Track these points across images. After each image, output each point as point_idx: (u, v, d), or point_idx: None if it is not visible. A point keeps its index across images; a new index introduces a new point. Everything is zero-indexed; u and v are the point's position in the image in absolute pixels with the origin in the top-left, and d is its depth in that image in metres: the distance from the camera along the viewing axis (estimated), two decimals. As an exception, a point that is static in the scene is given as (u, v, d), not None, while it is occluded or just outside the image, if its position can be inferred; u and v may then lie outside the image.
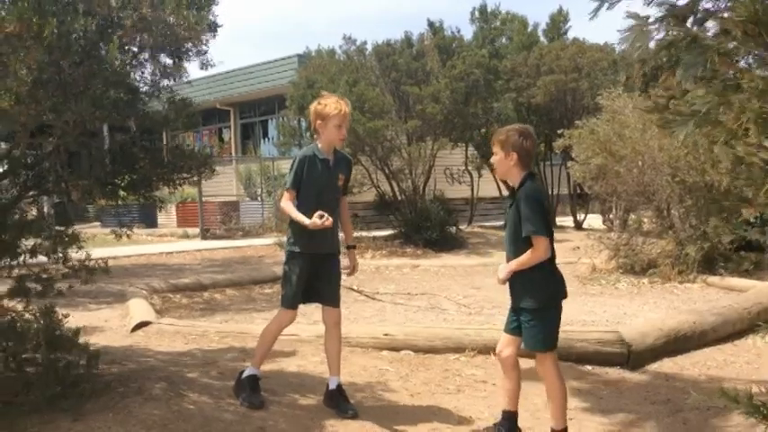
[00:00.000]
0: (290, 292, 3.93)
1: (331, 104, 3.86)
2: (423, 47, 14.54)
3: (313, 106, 3.96)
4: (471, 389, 4.39)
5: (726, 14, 2.05)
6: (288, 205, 3.81)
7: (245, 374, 3.99)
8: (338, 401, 3.87)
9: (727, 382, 4.37)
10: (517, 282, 3.29)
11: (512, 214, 3.31)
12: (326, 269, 3.98)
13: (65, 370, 3.61)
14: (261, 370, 4.07)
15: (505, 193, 18.03)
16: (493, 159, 3.42)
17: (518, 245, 3.26)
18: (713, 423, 3.66)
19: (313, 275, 3.93)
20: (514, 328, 3.36)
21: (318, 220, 3.61)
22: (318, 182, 3.86)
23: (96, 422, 3.45)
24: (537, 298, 3.25)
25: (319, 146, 3.92)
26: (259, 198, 19.80)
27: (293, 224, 3.87)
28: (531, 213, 3.18)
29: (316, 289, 3.97)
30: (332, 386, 3.94)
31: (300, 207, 3.79)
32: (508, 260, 3.32)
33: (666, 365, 4.81)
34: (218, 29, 4.09)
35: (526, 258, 3.22)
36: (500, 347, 3.47)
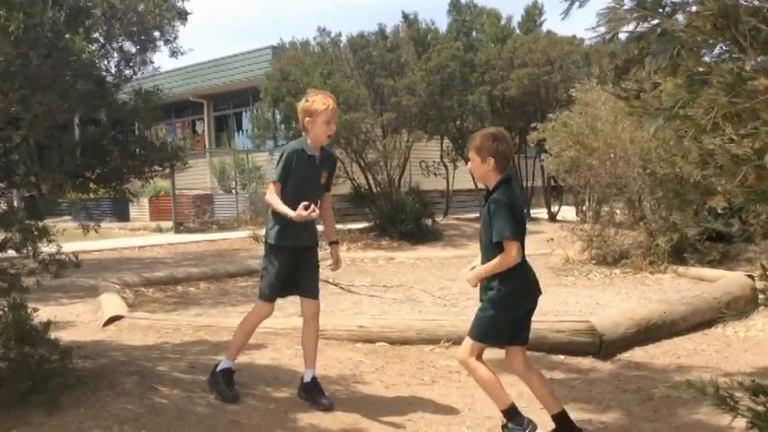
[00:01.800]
0: (269, 284, 3.95)
1: (318, 101, 3.87)
2: (398, 39, 14.53)
3: (300, 104, 3.97)
4: (446, 380, 4.41)
5: (695, 8, 2.08)
6: (273, 198, 3.82)
7: (219, 367, 3.98)
8: (313, 394, 3.87)
9: (696, 370, 4.45)
10: (489, 279, 3.28)
11: (484, 217, 3.32)
12: (306, 261, 4.00)
13: (36, 365, 3.56)
14: (235, 363, 4.06)
15: (481, 186, 18.13)
16: (470, 165, 3.43)
17: (489, 248, 3.27)
18: (682, 411, 3.72)
19: (293, 268, 3.95)
20: (510, 337, 3.34)
21: (303, 211, 3.61)
22: (303, 177, 3.87)
23: (69, 417, 3.42)
24: (499, 295, 3.23)
25: (308, 142, 3.93)
26: (233, 191, 19.68)
27: (274, 217, 3.89)
28: (500, 218, 3.19)
29: (296, 281, 3.98)
30: (307, 378, 3.94)
31: (282, 200, 3.79)
32: (482, 262, 3.33)
33: (637, 354, 4.88)
34: (188, 16, 4.05)
35: (494, 265, 3.21)
36: (507, 360, 3.42)
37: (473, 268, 3.37)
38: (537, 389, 3.36)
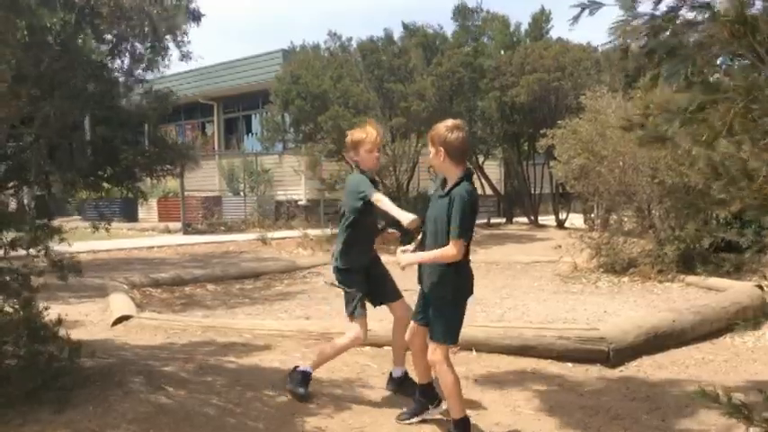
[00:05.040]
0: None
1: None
2: (406, 44, 14.53)
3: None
4: (453, 385, 4.39)
5: (703, 25, 2.06)
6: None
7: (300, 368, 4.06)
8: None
9: (705, 380, 4.42)
10: (432, 272, 3.38)
11: (439, 209, 3.36)
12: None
13: (46, 363, 3.58)
14: (242, 364, 4.08)
15: (489, 191, 18.06)
16: (431, 154, 3.45)
17: (440, 238, 3.34)
18: (691, 421, 3.70)
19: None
20: (422, 318, 3.51)
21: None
22: None
23: (77, 415, 3.43)
24: (447, 291, 3.35)
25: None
26: (242, 193, 19.73)
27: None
28: (462, 217, 3.23)
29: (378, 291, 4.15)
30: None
31: None
32: (429, 249, 3.42)
33: (646, 363, 4.86)
34: (201, 18, 4.06)
35: (436, 255, 3.32)
36: (409, 336, 3.66)
37: (406, 251, 3.53)
38: (423, 364, 3.61)
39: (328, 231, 13.78)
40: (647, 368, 4.77)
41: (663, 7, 2.19)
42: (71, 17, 3.47)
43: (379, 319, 6.43)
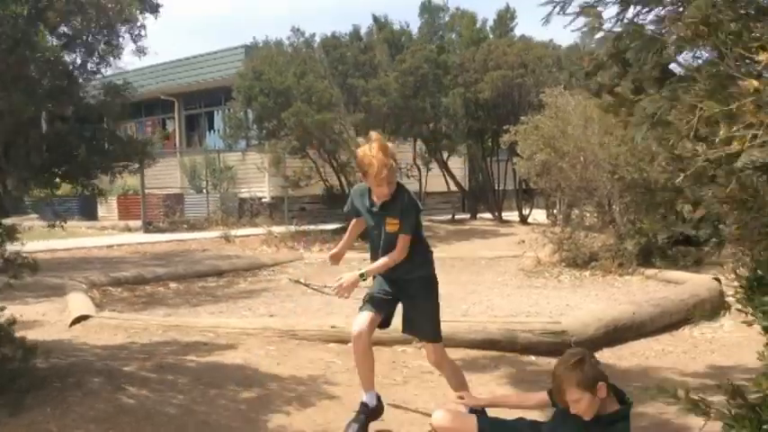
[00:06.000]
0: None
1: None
2: (372, 40, 14.52)
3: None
4: (418, 380, 4.41)
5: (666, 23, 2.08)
6: None
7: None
8: None
9: (664, 371, 4.50)
10: None
11: None
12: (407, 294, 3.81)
13: (0, 364, 3.49)
14: (204, 363, 4.01)
15: (453, 187, 18.05)
16: (579, 406, 2.59)
17: None
18: (651, 411, 3.76)
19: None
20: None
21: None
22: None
23: (36, 416, 3.36)
24: None
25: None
26: (204, 191, 19.51)
27: None
28: None
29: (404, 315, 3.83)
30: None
31: None
32: None
33: (606, 355, 4.93)
34: (159, 9, 3.98)
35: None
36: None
37: None
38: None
39: (293, 228, 13.71)
40: (607, 360, 4.83)
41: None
42: (23, 9, 3.39)
43: (346, 315, 6.41)
